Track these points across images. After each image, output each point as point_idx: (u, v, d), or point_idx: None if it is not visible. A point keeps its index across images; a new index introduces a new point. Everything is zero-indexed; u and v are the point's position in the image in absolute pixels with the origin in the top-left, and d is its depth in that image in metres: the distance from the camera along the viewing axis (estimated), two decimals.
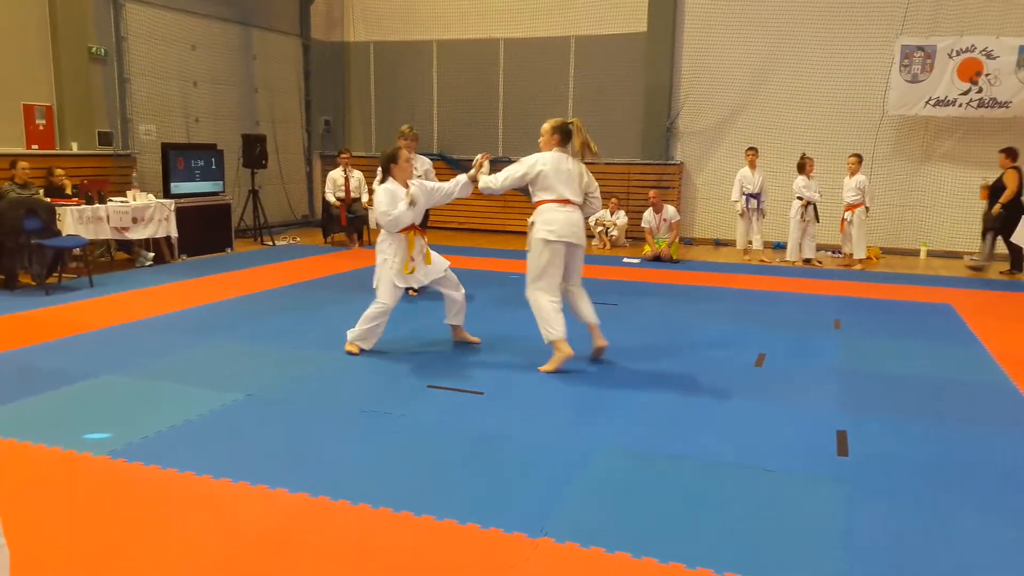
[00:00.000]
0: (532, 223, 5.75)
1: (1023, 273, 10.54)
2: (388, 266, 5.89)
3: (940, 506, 3.59)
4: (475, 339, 6.40)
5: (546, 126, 5.81)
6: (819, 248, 11.59)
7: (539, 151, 5.85)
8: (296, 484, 3.66)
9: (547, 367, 5.68)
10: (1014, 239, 10.21)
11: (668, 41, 13.21)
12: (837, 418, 4.74)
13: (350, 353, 5.99)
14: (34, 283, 8.34)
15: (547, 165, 5.70)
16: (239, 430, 4.43)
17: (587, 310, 5.93)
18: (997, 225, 10.51)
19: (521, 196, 13.88)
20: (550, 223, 5.64)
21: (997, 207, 10.40)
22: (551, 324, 5.64)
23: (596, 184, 5.96)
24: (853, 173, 10.95)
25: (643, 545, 3.15)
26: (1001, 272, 10.63)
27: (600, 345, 5.93)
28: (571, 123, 5.81)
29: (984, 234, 10.76)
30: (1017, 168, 10.46)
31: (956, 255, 12.07)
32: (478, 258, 11.06)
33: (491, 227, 14.46)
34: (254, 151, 12.36)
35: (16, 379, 5.24)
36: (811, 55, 12.39)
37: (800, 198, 11.10)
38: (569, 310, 5.89)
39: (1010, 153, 10.53)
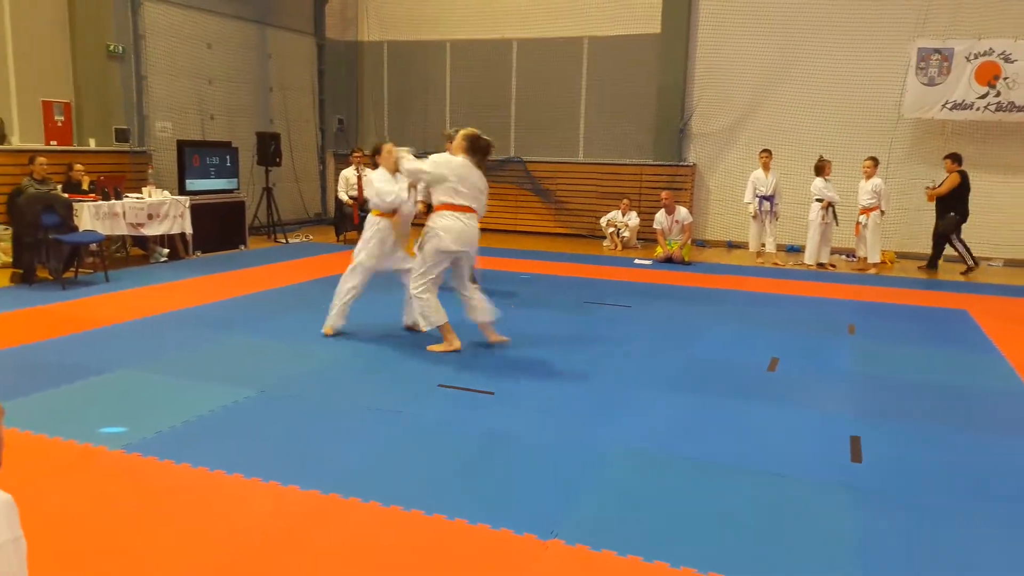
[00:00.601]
0: (430, 227, 5.94)
1: (937, 272, 11.05)
2: (368, 246, 6.33)
3: (955, 514, 3.57)
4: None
5: (461, 132, 6.03)
6: (833, 252, 11.53)
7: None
8: (307, 481, 3.67)
9: (437, 347, 6.11)
10: None
11: (682, 42, 13.19)
12: (851, 424, 4.72)
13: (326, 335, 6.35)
14: (51, 278, 8.40)
15: (454, 172, 5.88)
16: (251, 426, 4.46)
17: (481, 312, 6.17)
18: (952, 229, 10.97)
19: (532, 195, 13.81)
20: (449, 231, 5.85)
21: (932, 194, 10.98)
22: (438, 314, 6.04)
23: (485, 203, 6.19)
24: (869, 176, 10.90)
25: (654, 549, 3.15)
26: (919, 267, 11.18)
27: (495, 340, 6.27)
28: (484, 139, 5.99)
29: (950, 240, 11.12)
30: (962, 172, 10.86)
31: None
32: (490, 258, 11.06)
33: (503, 227, 14.47)
34: (268, 149, 12.41)
35: (33, 373, 5.28)
36: (826, 57, 12.34)
37: (820, 200, 11.05)
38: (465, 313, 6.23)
39: (955, 158, 10.91)
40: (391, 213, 6.37)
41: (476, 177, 5.93)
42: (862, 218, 11.01)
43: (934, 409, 5.08)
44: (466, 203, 5.87)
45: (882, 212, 10.90)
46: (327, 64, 15.26)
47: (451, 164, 5.88)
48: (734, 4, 12.87)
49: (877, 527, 3.41)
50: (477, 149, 5.93)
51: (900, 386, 5.55)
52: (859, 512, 3.55)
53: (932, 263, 11.17)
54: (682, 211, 11.47)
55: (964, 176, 10.85)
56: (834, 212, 11.09)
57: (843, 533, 3.35)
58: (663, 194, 11.55)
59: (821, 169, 11.08)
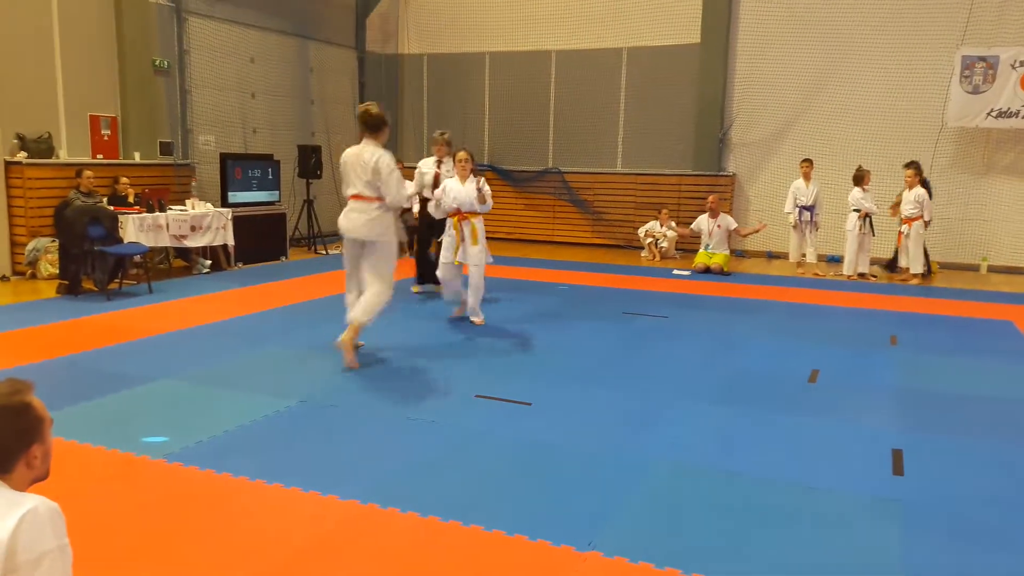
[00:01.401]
0: None
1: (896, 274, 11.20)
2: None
3: (1000, 531, 3.49)
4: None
5: None
6: (873, 262, 11.36)
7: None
8: (346, 491, 3.70)
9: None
10: None
11: (721, 52, 13.12)
12: (893, 437, 4.64)
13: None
14: (96, 289, 8.58)
15: (346, 159, 5.92)
16: (291, 436, 4.51)
17: (355, 309, 5.92)
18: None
19: (570, 206, 13.84)
20: (342, 218, 5.95)
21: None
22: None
23: (389, 179, 5.75)
24: (912, 186, 10.72)
25: (693, 562, 3.12)
26: (881, 268, 11.27)
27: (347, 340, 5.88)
28: (368, 111, 5.89)
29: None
30: (925, 181, 10.93)
31: (1018, 270, 11.73)
32: (527, 268, 11.08)
33: (539, 237, 14.49)
34: (309, 161, 12.58)
35: (78, 382, 5.40)
36: (868, 65, 12.19)
37: (857, 210, 10.91)
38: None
39: (917, 168, 10.87)
40: (454, 213, 7.14)
41: (361, 159, 5.78)
42: (904, 228, 10.83)
43: (978, 422, 4.98)
44: (350, 192, 5.89)
45: (926, 223, 10.70)
46: (368, 77, 15.42)
47: (344, 161, 5.95)
48: (774, 13, 12.76)
49: (919, 541, 3.34)
50: (363, 124, 5.87)
51: (943, 398, 5.44)
52: (901, 526, 3.48)
53: (892, 266, 11.37)
54: (726, 218, 11.40)
55: (927, 185, 10.90)
56: (871, 222, 10.94)
57: (884, 547, 3.29)
58: (710, 197, 11.47)
59: (860, 179, 10.94)
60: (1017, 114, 11.39)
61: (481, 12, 14.79)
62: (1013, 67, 11.34)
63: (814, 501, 3.74)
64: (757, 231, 11.44)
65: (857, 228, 10.89)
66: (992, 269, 11.84)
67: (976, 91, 11.56)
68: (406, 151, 15.68)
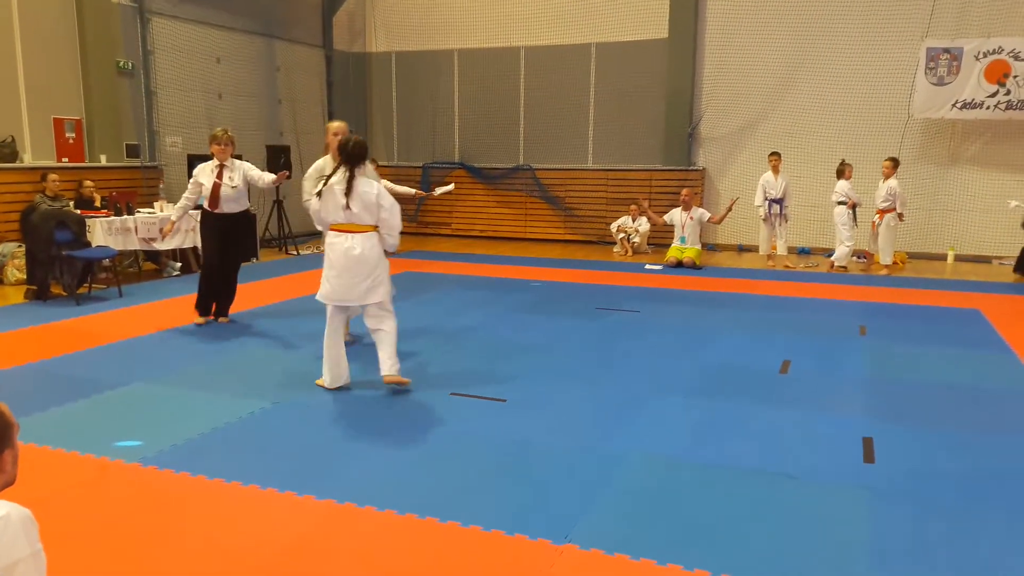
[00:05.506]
0: None
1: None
2: None
3: (968, 515, 3.55)
4: None
5: None
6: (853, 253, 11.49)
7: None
8: (323, 491, 3.69)
9: None
10: None
11: (689, 47, 13.21)
12: (863, 425, 4.71)
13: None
14: (65, 294, 8.46)
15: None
16: (266, 437, 4.48)
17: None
18: None
19: (542, 203, 13.83)
20: None
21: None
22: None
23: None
24: (887, 177, 10.85)
25: (668, 552, 3.16)
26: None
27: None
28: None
29: None
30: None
31: (985, 259, 11.94)
32: (500, 266, 11.10)
33: (513, 235, 14.50)
34: (278, 162, 12.45)
35: (48, 388, 5.33)
36: (834, 58, 12.33)
37: (843, 202, 10.99)
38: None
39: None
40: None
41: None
42: (876, 219, 10.97)
43: (947, 410, 5.06)
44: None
45: (900, 215, 10.81)
46: (336, 76, 15.33)
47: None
48: (741, 8, 12.87)
49: (890, 528, 3.40)
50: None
51: (912, 387, 5.53)
52: (872, 513, 3.54)
53: None
54: (699, 210, 11.49)
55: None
56: (854, 214, 11.05)
57: (856, 534, 3.34)
58: (684, 191, 11.53)
59: (842, 172, 11.04)
60: (981, 105, 11.59)
61: (449, 9, 14.76)
62: (977, 59, 11.53)
63: (787, 491, 3.78)
64: (730, 210, 11.36)
65: (850, 218, 10.97)
66: (960, 258, 12.03)
67: (941, 83, 11.73)
68: (376, 150, 15.61)
